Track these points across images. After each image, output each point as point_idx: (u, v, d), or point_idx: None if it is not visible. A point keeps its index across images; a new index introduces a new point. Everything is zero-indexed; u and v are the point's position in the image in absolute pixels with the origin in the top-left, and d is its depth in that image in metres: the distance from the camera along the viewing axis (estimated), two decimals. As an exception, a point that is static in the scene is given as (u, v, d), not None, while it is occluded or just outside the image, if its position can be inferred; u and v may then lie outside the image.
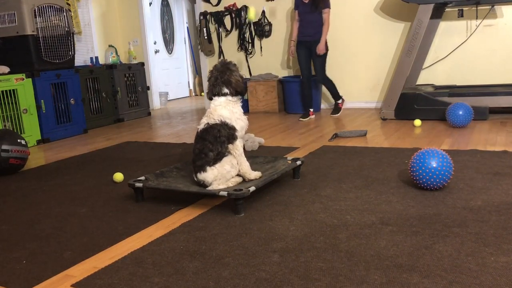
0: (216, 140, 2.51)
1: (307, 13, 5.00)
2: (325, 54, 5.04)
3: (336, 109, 5.29)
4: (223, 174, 2.51)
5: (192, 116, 6.11)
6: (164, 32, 8.28)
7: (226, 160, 2.53)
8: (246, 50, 6.30)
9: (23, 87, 4.65)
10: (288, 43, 5.81)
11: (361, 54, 5.63)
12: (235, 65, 2.69)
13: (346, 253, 1.82)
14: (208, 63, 6.68)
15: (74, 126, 5.22)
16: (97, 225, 2.34)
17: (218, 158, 2.51)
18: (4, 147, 3.40)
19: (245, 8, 6.16)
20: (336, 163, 3.21)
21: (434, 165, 2.40)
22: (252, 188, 2.35)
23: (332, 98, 5.36)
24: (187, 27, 8.84)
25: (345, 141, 3.90)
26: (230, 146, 2.55)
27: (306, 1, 4.98)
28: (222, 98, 2.61)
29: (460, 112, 4.07)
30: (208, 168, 2.49)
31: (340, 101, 5.28)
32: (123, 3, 7.03)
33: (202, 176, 2.50)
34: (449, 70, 5.19)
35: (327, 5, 4.96)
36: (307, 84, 5.14)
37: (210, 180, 2.50)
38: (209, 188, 2.50)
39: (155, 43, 7.68)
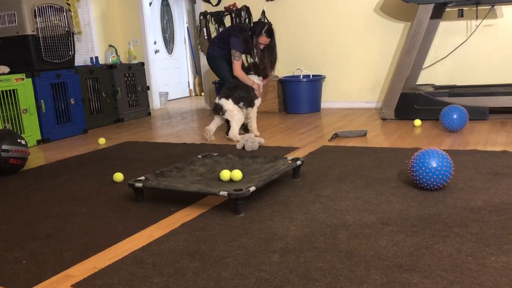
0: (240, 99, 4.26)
1: None
2: None
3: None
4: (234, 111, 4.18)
5: (192, 116, 6.11)
6: (164, 32, 8.28)
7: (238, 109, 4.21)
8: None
9: (23, 87, 4.65)
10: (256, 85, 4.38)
11: (361, 54, 5.63)
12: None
13: (346, 253, 1.82)
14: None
15: (74, 126, 5.22)
16: (97, 225, 2.34)
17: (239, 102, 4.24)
18: (4, 147, 3.40)
19: (245, 8, 6.16)
20: (336, 163, 3.21)
21: (434, 165, 2.40)
22: (252, 188, 2.35)
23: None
24: (187, 27, 8.84)
25: (345, 141, 3.90)
26: (249, 108, 4.34)
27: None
28: None
29: (455, 116, 3.89)
30: (230, 100, 4.19)
31: None
32: (123, 3, 7.03)
33: (222, 101, 4.18)
34: (449, 70, 5.20)
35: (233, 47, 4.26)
36: None
37: (225, 106, 4.17)
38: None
39: (155, 43, 7.68)
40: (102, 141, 4.59)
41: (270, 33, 4.25)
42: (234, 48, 4.23)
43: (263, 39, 4.23)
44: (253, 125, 4.37)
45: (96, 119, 5.71)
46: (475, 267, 1.64)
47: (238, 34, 4.28)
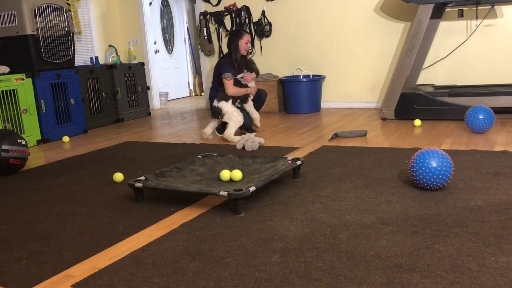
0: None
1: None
2: None
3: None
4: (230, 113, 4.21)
5: (192, 116, 6.11)
6: (164, 32, 8.28)
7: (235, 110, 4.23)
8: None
9: (23, 87, 4.65)
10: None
11: (361, 54, 5.63)
12: None
13: (346, 253, 1.82)
14: (208, 63, 6.68)
15: (74, 126, 5.22)
16: (97, 225, 2.34)
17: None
18: (4, 147, 3.40)
19: (245, 8, 6.16)
20: (336, 163, 3.21)
21: (434, 165, 2.40)
22: (252, 188, 2.35)
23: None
24: (187, 27, 8.84)
25: (345, 141, 3.90)
26: (244, 105, 4.38)
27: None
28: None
29: (481, 117, 3.79)
30: (230, 101, 4.25)
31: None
32: (123, 3, 7.03)
33: (220, 104, 4.24)
34: (449, 70, 5.19)
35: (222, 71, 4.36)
36: None
37: (223, 109, 4.22)
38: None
39: (155, 43, 7.68)
40: (66, 139, 4.84)
41: (244, 30, 4.67)
42: (223, 72, 4.33)
43: (246, 37, 4.42)
44: (253, 115, 4.42)
45: (96, 119, 5.71)
46: (475, 267, 1.64)
47: (224, 58, 4.47)
